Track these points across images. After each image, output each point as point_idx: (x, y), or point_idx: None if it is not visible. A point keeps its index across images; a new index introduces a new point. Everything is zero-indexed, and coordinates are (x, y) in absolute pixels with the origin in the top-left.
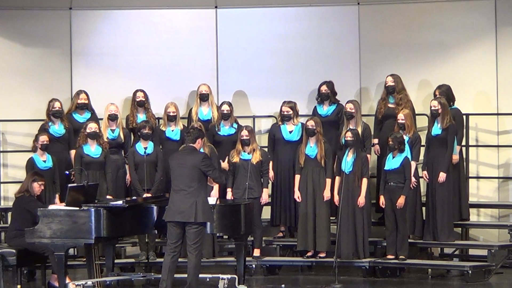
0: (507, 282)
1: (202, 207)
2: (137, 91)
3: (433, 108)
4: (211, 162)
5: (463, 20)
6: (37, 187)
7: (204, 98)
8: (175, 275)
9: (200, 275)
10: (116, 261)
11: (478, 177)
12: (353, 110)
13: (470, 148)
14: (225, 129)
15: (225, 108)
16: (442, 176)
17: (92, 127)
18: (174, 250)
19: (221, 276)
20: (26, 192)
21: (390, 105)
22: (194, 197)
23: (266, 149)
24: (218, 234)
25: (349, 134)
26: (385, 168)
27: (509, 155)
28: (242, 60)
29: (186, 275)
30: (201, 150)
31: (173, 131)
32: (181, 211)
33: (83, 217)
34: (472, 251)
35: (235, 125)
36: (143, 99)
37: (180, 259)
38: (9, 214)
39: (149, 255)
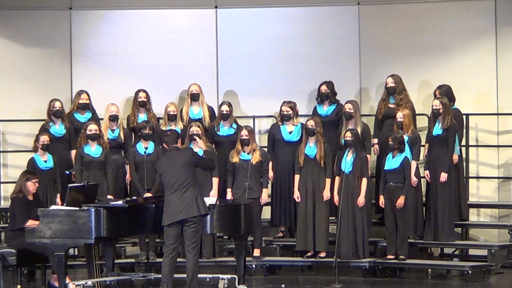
0: (507, 282)
1: (202, 200)
2: (139, 91)
3: (434, 107)
4: (198, 154)
5: (463, 21)
6: (31, 185)
7: (194, 97)
8: (175, 275)
9: (200, 275)
10: (116, 261)
11: (478, 177)
12: (352, 110)
13: (470, 148)
14: (225, 129)
15: (225, 108)
16: (443, 176)
17: (92, 128)
18: (173, 250)
19: (221, 276)
20: (20, 193)
21: (390, 105)
22: (192, 192)
23: (266, 149)
24: (218, 234)
25: (348, 134)
26: (385, 168)
27: (509, 155)
28: (242, 60)
29: (185, 275)
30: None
31: None
32: (181, 209)
33: (83, 217)
34: (472, 251)
35: (234, 125)
36: (145, 100)
37: (179, 259)
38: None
39: (149, 255)
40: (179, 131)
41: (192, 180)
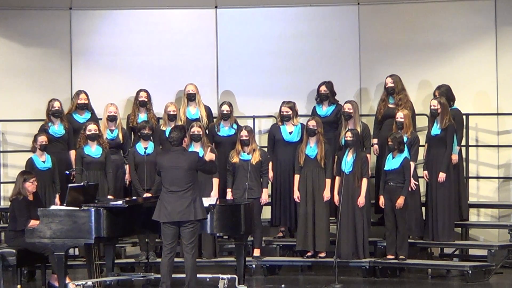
0: (507, 282)
1: (200, 204)
2: (140, 90)
3: (432, 107)
4: (202, 157)
5: (463, 20)
6: (30, 185)
7: (191, 97)
8: (176, 276)
9: (200, 275)
10: (116, 261)
11: (478, 177)
12: (351, 111)
13: (470, 148)
14: (225, 130)
15: (225, 108)
16: (441, 176)
17: (91, 128)
18: (171, 250)
19: (221, 276)
20: (19, 194)
21: (390, 105)
22: (191, 196)
23: (265, 149)
24: (218, 234)
25: (349, 134)
26: (384, 168)
27: (509, 155)
28: (242, 60)
29: (184, 275)
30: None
31: None
32: (179, 211)
33: (83, 217)
34: (472, 251)
35: (234, 126)
36: (146, 99)
37: (177, 259)
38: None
39: (149, 255)
40: None
41: (193, 184)
